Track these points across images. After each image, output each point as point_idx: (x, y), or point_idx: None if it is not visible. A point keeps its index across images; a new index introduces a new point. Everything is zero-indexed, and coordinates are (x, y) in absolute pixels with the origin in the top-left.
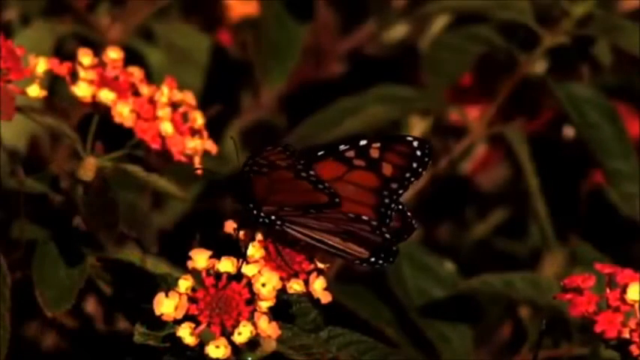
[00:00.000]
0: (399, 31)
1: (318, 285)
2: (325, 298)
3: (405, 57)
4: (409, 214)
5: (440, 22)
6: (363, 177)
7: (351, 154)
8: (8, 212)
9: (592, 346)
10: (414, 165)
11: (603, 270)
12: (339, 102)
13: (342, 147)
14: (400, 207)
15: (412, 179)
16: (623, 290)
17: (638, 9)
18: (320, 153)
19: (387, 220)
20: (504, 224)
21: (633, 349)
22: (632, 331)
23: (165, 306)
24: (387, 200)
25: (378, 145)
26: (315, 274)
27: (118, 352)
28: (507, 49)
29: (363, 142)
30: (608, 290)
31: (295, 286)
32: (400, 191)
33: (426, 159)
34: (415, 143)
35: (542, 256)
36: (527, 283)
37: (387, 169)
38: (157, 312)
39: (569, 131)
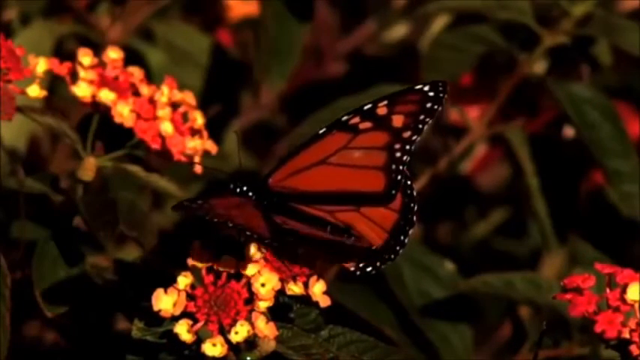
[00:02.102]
0: (399, 31)
1: (318, 288)
2: (324, 301)
3: (405, 57)
4: (413, 204)
5: (440, 22)
6: (371, 138)
7: (355, 120)
8: (8, 212)
9: (592, 346)
10: (428, 105)
11: (603, 270)
12: (339, 102)
13: (344, 117)
14: (408, 196)
15: (427, 119)
16: (623, 290)
17: (638, 9)
18: (322, 131)
19: (399, 177)
20: (504, 224)
21: (633, 349)
22: (632, 331)
23: (164, 302)
24: (398, 154)
25: (385, 103)
26: (314, 277)
27: (117, 352)
28: (507, 49)
29: (367, 107)
30: (608, 290)
31: (294, 289)
32: (414, 137)
33: (441, 95)
34: (426, 87)
35: (542, 256)
36: (527, 283)
37: (397, 121)
38: (156, 307)
39: (569, 131)
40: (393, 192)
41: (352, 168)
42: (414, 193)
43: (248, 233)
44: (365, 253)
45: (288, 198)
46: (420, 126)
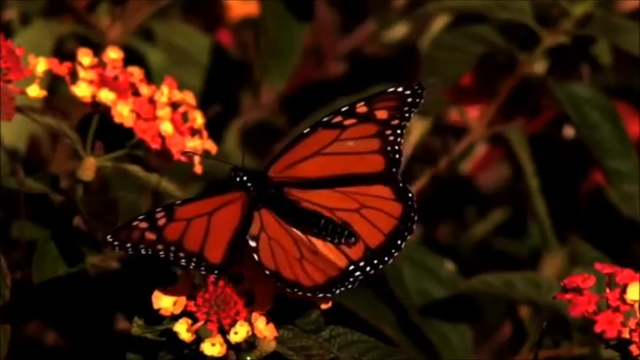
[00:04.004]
0: (399, 31)
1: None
2: (324, 303)
3: (405, 57)
4: (414, 214)
5: (440, 22)
6: (360, 130)
7: (338, 119)
8: (8, 212)
9: (592, 346)
10: (409, 100)
11: (603, 270)
12: (339, 102)
13: (325, 118)
14: (409, 206)
15: (412, 109)
16: (623, 290)
17: (638, 9)
18: (305, 130)
19: (397, 156)
20: (504, 224)
21: (633, 349)
22: (631, 331)
23: (164, 301)
24: (391, 138)
25: (362, 103)
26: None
27: (117, 351)
28: (507, 49)
29: (345, 108)
30: (608, 290)
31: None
32: (403, 123)
33: (419, 91)
34: (400, 89)
35: (542, 256)
36: (527, 283)
37: (381, 114)
38: (156, 306)
39: (569, 131)
40: (394, 170)
41: (349, 155)
42: (415, 205)
43: (184, 262)
44: (311, 291)
45: (288, 186)
46: (407, 115)
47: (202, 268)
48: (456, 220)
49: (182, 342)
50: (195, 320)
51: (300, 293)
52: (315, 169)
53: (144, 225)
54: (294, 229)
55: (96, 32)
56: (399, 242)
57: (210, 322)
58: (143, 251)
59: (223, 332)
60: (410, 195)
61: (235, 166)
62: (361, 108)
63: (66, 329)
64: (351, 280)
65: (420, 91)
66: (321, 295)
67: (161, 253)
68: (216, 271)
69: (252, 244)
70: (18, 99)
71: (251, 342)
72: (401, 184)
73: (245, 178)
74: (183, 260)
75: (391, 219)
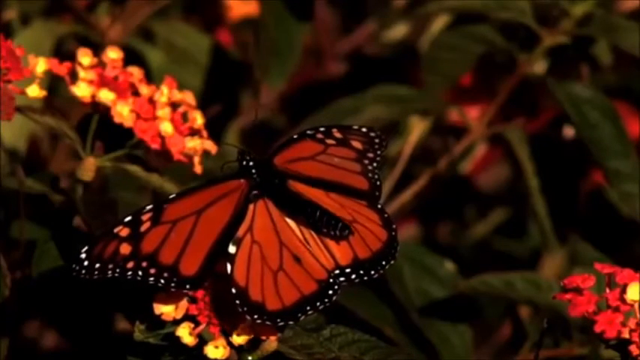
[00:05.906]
0: (399, 31)
1: None
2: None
3: (405, 57)
4: (396, 244)
5: (440, 22)
6: (340, 151)
7: (320, 136)
8: (8, 212)
9: (592, 346)
10: (377, 140)
11: (603, 270)
12: (339, 102)
13: (309, 131)
14: (392, 236)
15: (383, 148)
16: (623, 290)
17: (638, 9)
18: (294, 136)
19: (378, 183)
20: (504, 224)
21: (633, 349)
22: (631, 331)
23: (166, 306)
24: (369, 167)
25: (336, 130)
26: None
27: (118, 353)
28: (507, 49)
29: (322, 129)
30: (608, 290)
31: None
32: (377, 158)
33: (383, 137)
34: (364, 129)
35: (542, 256)
36: (528, 283)
37: (357, 144)
38: (157, 312)
39: (569, 131)
40: (377, 193)
41: (337, 168)
42: (397, 236)
43: (152, 280)
44: (272, 317)
45: (290, 179)
46: (379, 151)
47: (173, 284)
48: (456, 220)
49: (184, 345)
50: (197, 323)
51: (259, 321)
52: (312, 170)
53: (125, 232)
54: (289, 221)
55: (96, 32)
56: (383, 262)
57: (212, 324)
58: (110, 272)
59: (226, 334)
60: (394, 227)
61: (243, 149)
62: (337, 133)
63: (66, 329)
64: (328, 295)
65: (383, 138)
66: (282, 323)
67: (129, 272)
68: (188, 286)
69: (232, 249)
70: (18, 99)
71: (252, 341)
72: (386, 215)
73: (252, 164)
74: (152, 277)
75: (378, 241)
